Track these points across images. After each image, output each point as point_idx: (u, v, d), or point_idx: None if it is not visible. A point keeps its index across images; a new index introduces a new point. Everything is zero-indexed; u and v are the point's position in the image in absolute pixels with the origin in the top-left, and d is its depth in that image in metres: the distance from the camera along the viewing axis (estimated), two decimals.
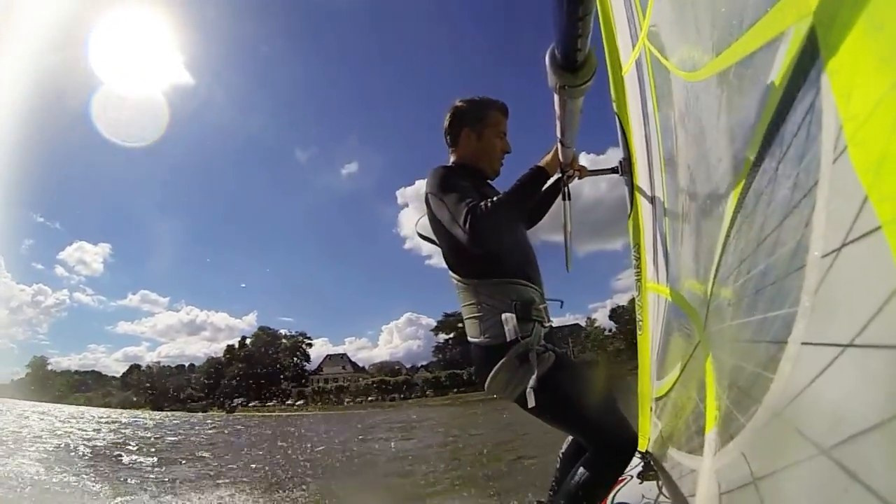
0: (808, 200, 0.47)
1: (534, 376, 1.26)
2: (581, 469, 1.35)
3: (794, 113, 0.48)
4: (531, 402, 1.24)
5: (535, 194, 1.43)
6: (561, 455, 1.75)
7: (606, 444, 1.32)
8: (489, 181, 1.62)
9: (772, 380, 0.52)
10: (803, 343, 0.46)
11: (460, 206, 1.27)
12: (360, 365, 60.10)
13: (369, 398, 51.84)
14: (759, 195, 0.57)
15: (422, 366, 57.96)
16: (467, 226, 1.23)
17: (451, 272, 1.49)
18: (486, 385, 1.38)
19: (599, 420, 1.33)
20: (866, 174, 0.40)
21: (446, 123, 1.62)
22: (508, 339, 1.30)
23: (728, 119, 0.65)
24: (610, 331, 52.03)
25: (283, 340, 59.11)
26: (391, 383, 53.38)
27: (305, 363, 58.90)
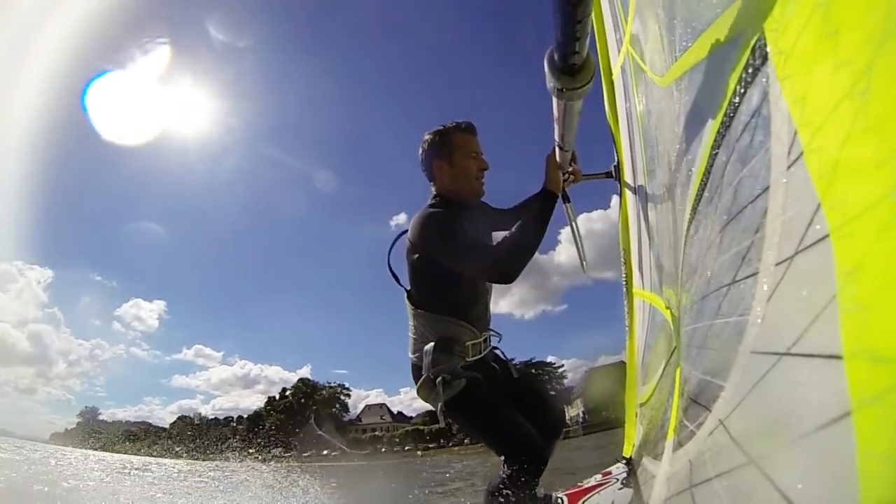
0: (762, 207, 0.46)
1: (441, 401, 1.48)
2: (497, 473, 1.54)
3: (745, 119, 0.48)
4: (441, 421, 1.54)
5: (549, 218, 1.51)
6: None
7: (507, 455, 1.50)
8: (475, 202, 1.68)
9: (723, 388, 0.51)
10: (752, 352, 0.45)
11: (476, 256, 1.41)
12: (408, 415, 59.81)
13: (406, 447, 51.51)
14: (710, 201, 0.56)
15: None
16: (490, 271, 1.42)
17: (406, 299, 1.65)
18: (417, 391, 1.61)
19: (499, 435, 1.53)
20: (820, 181, 0.40)
21: (419, 160, 1.66)
22: (424, 373, 1.52)
23: (685, 125, 0.64)
24: None
25: (323, 392, 60.01)
26: (426, 432, 52.75)
27: (344, 413, 59.76)
